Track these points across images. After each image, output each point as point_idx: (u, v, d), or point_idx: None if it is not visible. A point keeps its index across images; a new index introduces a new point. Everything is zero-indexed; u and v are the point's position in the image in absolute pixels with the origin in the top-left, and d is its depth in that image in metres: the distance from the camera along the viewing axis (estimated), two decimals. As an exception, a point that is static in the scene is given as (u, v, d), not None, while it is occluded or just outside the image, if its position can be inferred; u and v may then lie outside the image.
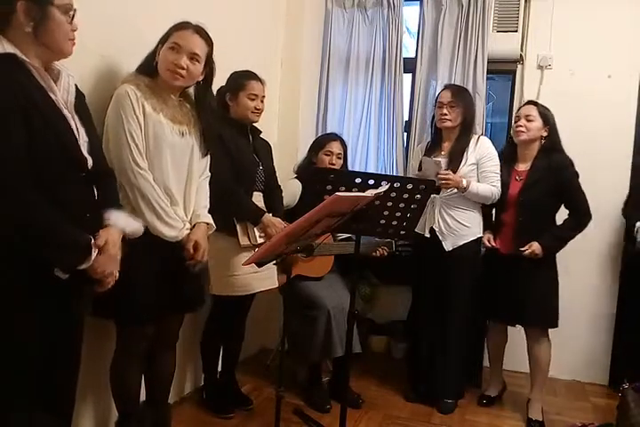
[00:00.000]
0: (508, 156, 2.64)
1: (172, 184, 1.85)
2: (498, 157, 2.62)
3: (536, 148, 2.56)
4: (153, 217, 1.78)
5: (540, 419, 2.59)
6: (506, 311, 2.57)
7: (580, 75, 3.08)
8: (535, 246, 2.45)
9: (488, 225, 2.67)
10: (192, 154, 1.92)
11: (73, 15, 1.34)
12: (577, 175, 2.50)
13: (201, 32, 1.85)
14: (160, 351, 2.03)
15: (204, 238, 1.93)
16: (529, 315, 2.52)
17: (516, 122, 2.58)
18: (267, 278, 2.40)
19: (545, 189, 2.49)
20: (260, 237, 2.34)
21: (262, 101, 2.37)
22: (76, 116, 1.42)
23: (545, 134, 2.54)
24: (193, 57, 1.82)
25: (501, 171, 2.61)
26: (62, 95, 1.38)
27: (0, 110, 1.22)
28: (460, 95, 2.59)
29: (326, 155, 2.72)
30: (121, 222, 1.52)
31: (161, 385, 2.10)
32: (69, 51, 1.37)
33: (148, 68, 1.83)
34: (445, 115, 2.57)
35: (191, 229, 1.91)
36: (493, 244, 2.60)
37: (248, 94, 2.32)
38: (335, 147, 2.73)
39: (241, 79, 2.35)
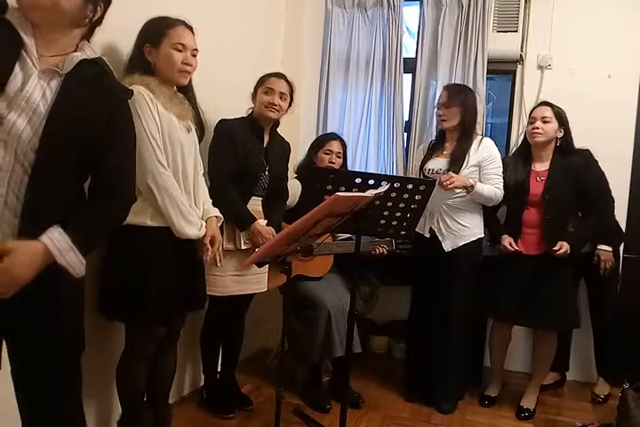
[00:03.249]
0: (523, 156, 2.62)
1: (186, 182, 1.87)
2: (500, 159, 2.60)
3: (552, 148, 2.55)
4: (179, 218, 1.78)
5: (532, 408, 2.62)
6: (529, 315, 2.52)
7: (580, 75, 3.08)
8: (566, 246, 2.43)
9: (501, 229, 2.64)
10: (195, 149, 1.95)
11: None
12: (599, 176, 2.53)
13: (188, 25, 1.87)
14: (162, 351, 2.02)
15: (218, 232, 1.98)
16: (556, 317, 2.50)
17: (531, 123, 2.55)
18: (252, 283, 2.37)
19: (568, 189, 2.50)
20: (244, 243, 2.30)
21: (283, 99, 2.33)
22: (47, 84, 1.20)
23: (560, 135, 2.53)
24: (193, 53, 1.86)
25: (515, 172, 2.59)
26: (52, 60, 1.23)
27: None
28: (457, 95, 2.57)
29: (326, 154, 2.72)
30: (57, 245, 1.15)
31: (162, 385, 2.10)
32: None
33: (143, 68, 1.81)
34: (441, 115, 2.58)
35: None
36: (516, 247, 2.54)
37: (264, 88, 2.32)
38: (335, 146, 2.73)
39: (263, 77, 2.36)
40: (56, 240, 1.15)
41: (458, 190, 2.49)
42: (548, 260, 2.48)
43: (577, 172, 2.50)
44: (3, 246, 1.11)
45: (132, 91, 1.48)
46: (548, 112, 2.52)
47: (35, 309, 1.22)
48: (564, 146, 2.54)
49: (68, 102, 1.21)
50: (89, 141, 1.25)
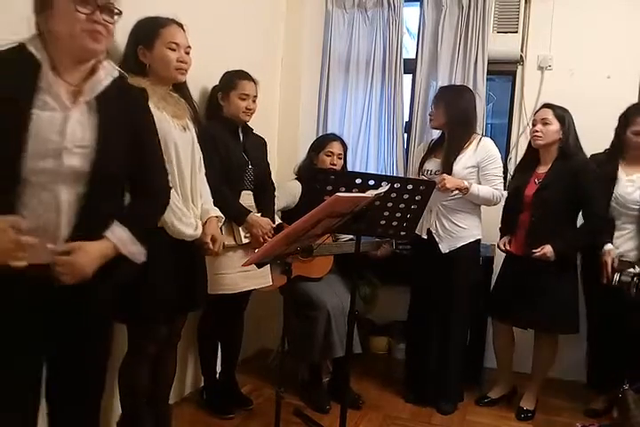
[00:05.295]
0: (530, 159, 2.63)
1: (182, 181, 1.86)
2: (499, 159, 2.59)
3: (555, 150, 2.53)
4: (172, 218, 1.78)
5: (532, 408, 2.63)
6: (518, 315, 2.54)
7: (580, 75, 3.08)
8: (547, 249, 2.41)
9: (509, 230, 2.67)
10: (193, 147, 1.94)
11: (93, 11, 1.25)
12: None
13: (179, 23, 1.87)
14: (162, 352, 2.02)
15: (219, 232, 1.99)
16: (543, 319, 2.49)
17: (532, 126, 2.56)
18: (258, 277, 2.39)
19: (561, 191, 2.46)
20: (245, 237, 2.33)
21: (254, 101, 2.38)
22: (80, 114, 1.27)
23: (560, 136, 2.49)
24: (187, 50, 1.87)
25: (518, 174, 2.61)
26: (83, 91, 1.28)
27: None
28: (441, 95, 2.58)
29: (327, 155, 2.72)
30: (120, 239, 1.33)
31: (162, 386, 2.10)
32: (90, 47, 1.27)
33: (138, 69, 1.81)
34: (430, 115, 2.62)
35: (203, 225, 1.93)
36: (507, 247, 2.59)
37: (239, 94, 2.33)
38: (336, 147, 2.74)
39: (233, 78, 2.36)
40: (118, 234, 1.32)
41: (453, 192, 2.48)
42: (531, 261, 2.46)
43: (573, 176, 2.46)
44: (70, 245, 1.24)
45: (143, 88, 1.50)
46: (548, 114, 2.50)
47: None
48: (567, 147, 2.50)
49: (109, 132, 1.30)
50: (133, 162, 1.38)
